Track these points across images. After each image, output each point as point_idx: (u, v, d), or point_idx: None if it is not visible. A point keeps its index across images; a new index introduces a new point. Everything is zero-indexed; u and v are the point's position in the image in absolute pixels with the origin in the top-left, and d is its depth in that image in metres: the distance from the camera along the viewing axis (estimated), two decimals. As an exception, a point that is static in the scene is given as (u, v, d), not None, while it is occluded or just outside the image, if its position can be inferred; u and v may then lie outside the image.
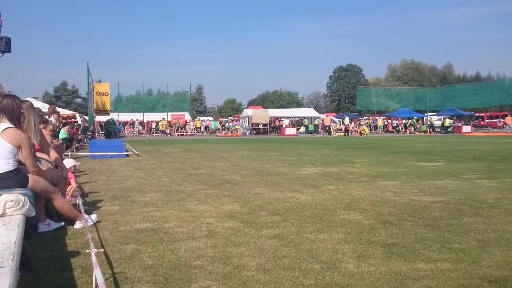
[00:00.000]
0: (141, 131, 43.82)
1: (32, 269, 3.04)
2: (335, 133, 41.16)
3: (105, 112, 36.20)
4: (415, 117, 49.53)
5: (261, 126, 42.53)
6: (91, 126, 31.39)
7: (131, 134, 42.31)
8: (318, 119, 45.20)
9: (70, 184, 5.83)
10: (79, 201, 4.98)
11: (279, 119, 44.11)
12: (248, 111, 45.62)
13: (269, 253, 3.43)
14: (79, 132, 23.45)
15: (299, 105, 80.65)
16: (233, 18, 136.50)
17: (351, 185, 6.98)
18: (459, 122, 47.85)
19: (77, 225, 4.31)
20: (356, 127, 44.64)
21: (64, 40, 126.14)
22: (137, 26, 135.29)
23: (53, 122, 9.13)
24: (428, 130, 45.03)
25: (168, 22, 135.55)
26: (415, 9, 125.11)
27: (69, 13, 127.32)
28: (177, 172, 9.16)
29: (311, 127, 43.83)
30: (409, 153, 14.46)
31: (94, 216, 4.58)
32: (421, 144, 21.28)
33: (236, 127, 45.00)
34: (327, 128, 41.43)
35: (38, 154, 5.02)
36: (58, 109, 14.27)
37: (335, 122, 44.78)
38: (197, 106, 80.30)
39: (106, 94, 36.13)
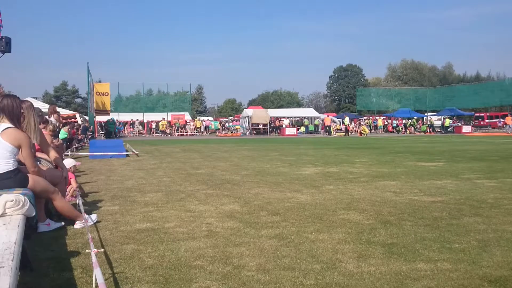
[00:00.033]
0: (141, 131, 43.82)
1: (32, 269, 3.04)
2: (335, 133, 41.16)
3: (105, 112, 36.20)
4: (415, 117, 49.53)
5: (261, 126, 42.54)
6: (91, 126, 31.40)
7: (131, 134, 42.31)
8: (318, 119, 45.20)
9: (70, 184, 5.83)
10: (79, 201, 4.98)
11: (279, 119, 44.11)
12: (248, 111, 45.63)
13: (269, 253, 3.43)
14: (79, 132, 23.45)
15: (299, 105, 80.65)
16: (233, 18, 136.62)
17: (351, 185, 6.98)
18: (459, 122, 47.85)
19: (77, 225, 4.31)
20: (356, 127, 44.64)
21: (64, 40, 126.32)
22: (137, 26, 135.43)
23: (53, 122, 9.13)
24: (428, 130, 45.03)
25: (168, 22, 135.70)
26: (415, 9, 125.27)
27: (69, 13, 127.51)
28: (177, 172, 9.16)
29: (311, 127, 43.82)
30: (409, 153, 14.46)
31: (94, 216, 4.58)
32: (421, 144, 21.28)
33: (236, 127, 45.00)
34: (327, 128, 41.43)
35: (38, 154, 5.02)
36: (58, 109, 14.27)
37: (335, 122, 44.77)
38: (197, 106, 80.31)
39: (106, 94, 36.14)
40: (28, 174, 3.93)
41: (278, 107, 68.09)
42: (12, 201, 3.14)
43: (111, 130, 35.14)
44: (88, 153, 14.24)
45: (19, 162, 4.03)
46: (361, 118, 51.77)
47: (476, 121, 53.02)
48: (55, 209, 4.42)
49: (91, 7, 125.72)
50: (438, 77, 78.75)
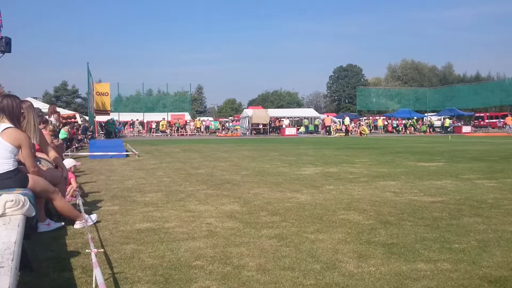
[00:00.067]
0: (141, 131, 43.81)
1: (32, 269, 3.04)
2: (335, 133, 41.16)
3: (105, 112, 36.21)
4: (415, 117, 49.53)
5: (261, 126, 42.54)
6: (91, 126, 31.40)
7: (131, 134, 42.30)
8: (318, 119, 45.21)
9: (70, 184, 5.83)
10: (79, 201, 4.98)
11: (279, 119, 44.12)
12: (248, 111, 45.63)
13: (269, 253, 3.43)
14: (79, 132, 23.45)
15: (299, 105, 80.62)
16: (233, 18, 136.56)
17: (351, 185, 6.98)
18: (459, 122, 47.85)
19: (77, 225, 4.31)
20: (356, 127, 44.65)
21: (64, 40, 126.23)
22: (137, 26, 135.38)
23: (53, 122, 9.13)
24: (428, 130, 45.04)
25: (168, 22, 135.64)
26: (415, 9, 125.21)
27: (69, 13, 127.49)
28: (177, 172, 9.16)
29: (311, 127, 43.83)
30: (409, 153, 14.46)
31: (94, 216, 4.58)
32: (421, 144, 21.29)
33: (236, 127, 45.00)
34: (328, 128, 41.43)
35: (38, 154, 5.02)
36: (58, 109, 14.27)
37: (335, 122, 44.78)
38: (197, 106, 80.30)
39: (106, 94, 36.15)
40: (28, 174, 3.93)
41: (278, 107, 68.09)
42: (12, 201, 3.14)
43: (111, 130, 35.14)
44: (88, 153, 14.24)
45: (19, 162, 4.03)
46: (361, 118, 51.77)
47: (476, 121, 53.00)
48: (55, 209, 4.42)
49: (91, 7, 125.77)
50: (438, 77, 78.74)
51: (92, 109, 32.43)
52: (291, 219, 4.60)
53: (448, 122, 45.95)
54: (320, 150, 16.43)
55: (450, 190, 6.40)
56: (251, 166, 10.38)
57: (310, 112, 49.14)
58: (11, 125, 3.84)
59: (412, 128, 46.03)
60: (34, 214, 3.35)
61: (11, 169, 3.77)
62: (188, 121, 45.51)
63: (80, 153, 14.94)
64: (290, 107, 70.27)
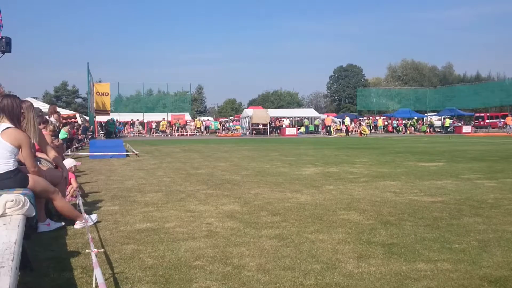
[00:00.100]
0: (141, 131, 43.82)
1: (32, 269, 3.04)
2: (335, 133, 41.15)
3: (105, 112, 36.21)
4: (415, 117, 49.52)
5: (261, 126, 42.53)
6: (91, 126, 31.41)
7: (131, 134, 42.30)
8: (318, 119, 45.20)
9: (70, 184, 5.83)
10: (79, 201, 4.98)
11: (279, 119, 44.12)
12: (248, 111, 45.63)
13: (269, 253, 3.43)
14: (79, 132, 23.46)
15: (299, 105, 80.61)
16: (233, 18, 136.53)
17: (351, 185, 6.98)
18: (459, 122, 47.84)
19: (77, 225, 4.31)
20: (356, 127, 44.64)
21: (64, 40, 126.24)
22: (137, 26, 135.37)
23: (53, 122, 9.13)
24: (428, 130, 45.03)
25: (168, 22, 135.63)
26: (415, 9, 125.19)
27: (69, 13, 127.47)
28: (177, 172, 9.16)
29: (311, 127, 43.83)
30: (409, 153, 14.46)
31: (94, 216, 4.58)
32: (421, 144, 21.28)
33: (236, 127, 44.99)
34: (328, 128, 41.43)
35: (38, 154, 5.02)
36: (58, 109, 14.28)
37: (335, 122, 44.78)
38: (197, 106, 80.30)
39: (106, 94, 36.15)
40: (28, 174, 3.93)
41: (278, 107, 68.06)
42: (12, 201, 3.14)
43: (111, 130, 35.15)
44: (88, 153, 14.24)
45: (19, 162, 4.03)
46: (361, 118, 51.77)
47: (476, 121, 53.01)
48: (55, 209, 4.42)
49: (91, 7, 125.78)
50: (438, 77, 78.74)
51: (92, 109, 32.43)
52: (291, 219, 4.60)
53: (448, 122, 45.94)
54: (320, 150, 16.43)
55: (450, 190, 6.40)
56: (251, 166, 10.38)
57: (310, 112, 49.14)
58: (11, 125, 3.84)
59: (412, 128, 46.02)
60: (34, 214, 3.35)
61: (11, 169, 3.77)
62: (188, 121, 45.52)
63: (80, 153, 14.94)
64: (290, 107, 70.25)
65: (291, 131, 40.82)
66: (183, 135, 42.07)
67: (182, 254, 3.43)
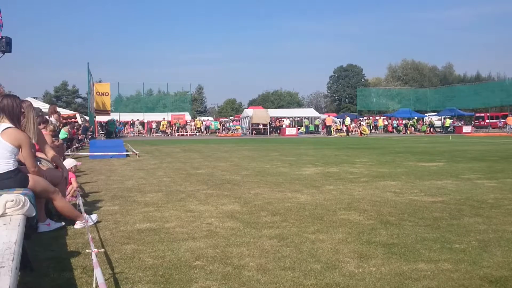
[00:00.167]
0: (141, 131, 43.83)
1: (32, 269, 3.04)
2: (335, 133, 41.15)
3: (105, 112, 36.20)
4: (416, 117, 49.51)
5: (261, 126, 42.54)
6: (92, 126, 31.41)
7: (131, 134, 42.31)
8: (318, 119, 45.20)
9: (71, 184, 5.83)
10: (80, 201, 4.98)
11: (280, 119, 44.12)
12: (248, 111, 45.64)
13: (269, 253, 3.43)
14: (80, 132, 23.46)
15: (299, 105, 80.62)
16: (233, 18, 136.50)
17: (351, 185, 6.98)
18: (459, 122, 47.84)
19: (78, 225, 4.31)
20: (356, 127, 44.65)
21: (64, 40, 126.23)
22: (137, 26, 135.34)
23: (53, 122, 9.13)
24: (428, 130, 45.02)
25: (168, 22, 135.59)
26: (415, 9, 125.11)
27: (69, 13, 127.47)
28: (177, 172, 9.16)
29: (312, 127, 43.84)
30: (410, 153, 14.46)
31: (94, 216, 4.58)
32: (422, 144, 21.28)
33: (237, 127, 44.99)
34: (328, 128, 41.42)
35: (39, 154, 5.02)
36: (58, 109, 14.28)
37: (335, 122, 44.78)
38: (198, 106, 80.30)
39: (107, 94, 36.13)
40: (29, 174, 3.92)
41: (279, 107, 68.08)
42: (12, 201, 3.14)
43: (111, 130, 35.15)
44: (88, 153, 14.24)
45: (19, 162, 4.03)
46: (361, 118, 51.76)
47: (477, 121, 53.02)
48: (55, 209, 4.42)
49: (91, 7, 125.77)
50: (438, 77, 78.74)
51: (93, 109, 32.43)
52: (291, 219, 4.60)
53: (448, 122, 45.93)
54: (321, 150, 16.43)
55: (451, 190, 6.39)
56: (251, 166, 10.38)
57: (311, 112, 49.13)
58: (11, 125, 3.84)
59: (413, 128, 46.01)
60: (34, 214, 3.35)
61: (12, 169, 3.77)
62: (188, 121, 45.53)
63: (80, 153, 14.94)
64: (290, 107, 70.26)
65: (291, 131, 40.82)
66: (183, 135, 42.08)
67: (182, 254, 3.43)
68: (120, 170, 9.87)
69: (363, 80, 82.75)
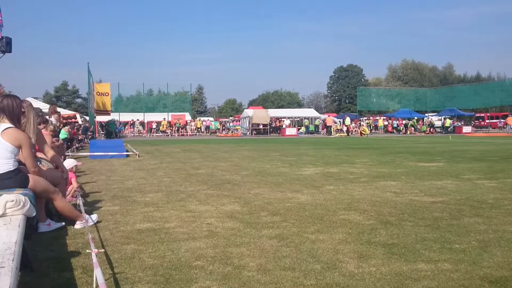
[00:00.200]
0: (142, 131, 43.83)
1: (33, 269, 3.04)
2: (336, 133, 41.15)
3: (105, 112, 36.22)
4: (416, 118, 49.51)
5: (261, 127, 42.54)
6: (92, 126, 31.41)
7: (132, 135, 42.31)
8: (318, 119, 45.20)
9: (71, 184, 5.84)
10: (80, 201, 4.98)
11: (280, 119, 44.12)
12: (248, 111, 45.64)
13: (269, 253, 3.43)
14: (80, 132, 23.46)
15: (299, 105, 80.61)
16: (233, 18, 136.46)
17: (351, 186, 6.98)
18: (459, 122, 47.83)
19: (78, 225, 4.31)
20: (356, 127, 44.65)
21: (64, 40, 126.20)
22: (137, 26, 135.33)
23: (53, 122, 9.13)
24: (428, 130, 45.02)
25: (168, 22, 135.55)
26: (415, 9, 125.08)
27: (70, 13, 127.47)
28: (177, 172, 9.16)
29: (312, 128, 43.84)
30: (410, 153, 14.45)
31: (94, 216, 4.58)
32: (422, 144, 21.28)
33: (237, 127, 45.00)
34: (328, 128, 41.42)
35: (39, 154, 5.02)
36: (58, 109, 14.29)
37: (335, 123, 44.78)
38: (198, 106, 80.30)
39: (107, 94, 36.16)
40: (29, 174, 3.93)
41: (279, 107, 68.09)
42: (12, 201, 3.14)
43: (111, 130, 35.16)
44: (88, 153, 14.24)
45: (20, 162, 4.03)
46: (361, 119, 51.77)
47: (477, 121, 53.00)
48: (56, 209, 4.42)
49: (91, 7, 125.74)
50: (438, 78, 78.75)
51: (93, 109, 32.45)
52: (291, 219, 4.60)
53: (448, 122, 45.92)
54: (321, 151, 16.43)
55: (451, 190, 6.40)
56: (251, 166, 10.38)
57: (311, 112, 49.12)
58: (11, 125, 3.84)
59: (413, 128, 46.01)
60: (34, 214, 3.36)
61: (12, 169, 3.77)
62: (188, 121, 45.54)
63: (80, 153, 14.94)
64: (290, 107, 70.26)
65: (291, 131, 40.81)
66: (183, 135, 42.08)
67: (182, 254, 3.43)
68: (120, 170, 9.88)
69: (363, 80, 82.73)
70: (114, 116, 40.44)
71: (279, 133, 41.65)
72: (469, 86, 55.63)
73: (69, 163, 6.25)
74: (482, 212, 4.90)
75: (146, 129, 44.34)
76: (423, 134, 43.03)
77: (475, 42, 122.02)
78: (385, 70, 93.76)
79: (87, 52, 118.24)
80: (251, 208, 5.25)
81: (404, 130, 45.59)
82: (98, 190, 6.81)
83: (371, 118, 51.63)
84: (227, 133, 42.93)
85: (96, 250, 2.97)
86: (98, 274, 2.50)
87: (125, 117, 46.24)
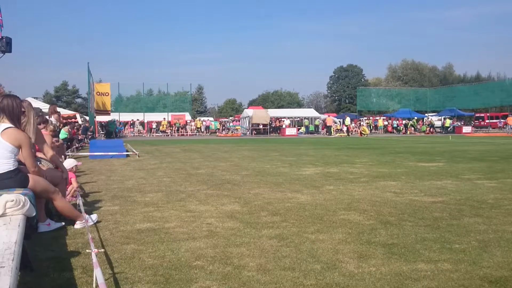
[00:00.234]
0: (142, 131, 43.84)
1: (33, 269, 3.04)
2: (335, 133, 41.15)
3: (105, 112, 36.24)
4: (416, 118, 49.53)
5: (261, 127, 42.55)
6: (92, 126, 31.41)
7: (132, 134, 42.32)
8: (318, 119, 45.20)
9: (71, 184, 5.83)
10: (80, 201, 4.98)
11: (280, 119, 44.13)
12: (248, 111, 45.64)
13: (269, 253, 3.43)
14: (80, 132, 23.46)
15: (299, 105, 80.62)
16: (233, 18, 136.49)
17: (351, 186, 6.98)
18: (459, 122, 47.83)
19: (78, 225, 4.31)
20: (356, 127, 44.65)
21: (64, 40, 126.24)
22: (137, 26, 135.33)
23: (53, 122, 9.13)
24: (428, 130, 45.03)
25: (168, 22, 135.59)
26: (415, 9, 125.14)
27: (70, 13, 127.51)
28: (177, 172, 9.16)
29: (312, 128, 43.84)
30: (410, 153, 14.46)
31: (94, 216, 4.58)
32: (422, 144, 21.28)
33: (237, 127, 45.00)
34: (328, 128, 41.42)
35: (39, 154, 5.02)
36: (58, 109, 14.28)
37: (335, 123, 44.78)
38: (198, 106, 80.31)
39: (107, 94, 36.18)
40: (29, 174, 3.92)
41: (279, 107, 68.10)
42: (12, 201, 3.14)
43: (111, 130, 35.17)
44: (88, 153, 14.24)
45: (19, 162, 4.03)
46: (361, 119, 51.77)
47: (477, 121, 53.01)
48: (55, 209, 4.42)
49: (91, 7, 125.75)
50: (438, 78, 78.76)
51: (93, 109, 32.45)
52: (291, 219, 4.60)
53: (448, 122, 45.93)
54: (321, 151, 16.43)
55: (451, 190, 6.40)
56: (251, 166, 10.38)
57: (311, 112, 49.13)
58: (11, 125, 3.84)
59: (413, 128, 46.02)
60: (34, 214, 3.35)
61: (12, 169, 3.77)
62: (188, 121, 45.55)
63: (80, 153, 14.94)
64: (290, 107, 70.27)
65: (291, 131, 40.82)
66: (183, 135, 42.08)
67: (182, 254, 3.43)
68: (120, 170, 9.87)
69: (363, 80, 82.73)
70: (114, 116, 40.47)
71: (279, 133, 41.66)
72: (469, 86, 55.63)
73: (69, 163, 6.25)
74: (482, 212, 4.90)
75: (146, 129, 44.35)
76: (423, 134, 43.03)
77: (475, 42, 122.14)
78: (385, 70, 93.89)
79: (87, 52, 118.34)
80: (251, 208, 5.25)
81: (404, 130, 45.60)
82: (98, 190, 6.81)
83: (371, 118, 51.64)
84: (227, 133, 42.94)
85: (96, 250, 2.97)
86: (98, 274, 2.50)
87: (125, 117, 46.25)
